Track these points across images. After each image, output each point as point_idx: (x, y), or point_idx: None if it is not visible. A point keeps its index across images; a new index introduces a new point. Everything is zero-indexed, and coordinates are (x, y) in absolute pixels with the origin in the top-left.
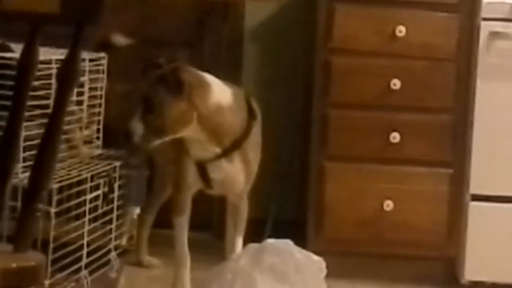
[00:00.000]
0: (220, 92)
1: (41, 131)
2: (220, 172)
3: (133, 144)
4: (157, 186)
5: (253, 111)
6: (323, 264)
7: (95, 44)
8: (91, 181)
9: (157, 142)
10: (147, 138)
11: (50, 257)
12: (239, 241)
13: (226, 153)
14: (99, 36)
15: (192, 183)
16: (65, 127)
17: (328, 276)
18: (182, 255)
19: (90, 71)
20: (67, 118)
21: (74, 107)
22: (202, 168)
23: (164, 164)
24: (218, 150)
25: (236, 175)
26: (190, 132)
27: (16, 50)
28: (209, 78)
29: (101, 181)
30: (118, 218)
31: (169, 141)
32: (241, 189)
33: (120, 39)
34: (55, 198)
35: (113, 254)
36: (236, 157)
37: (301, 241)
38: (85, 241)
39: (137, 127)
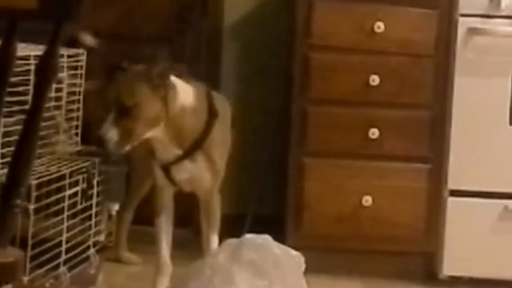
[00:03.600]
0: (184, 93)
1: (19, 127)
2: (183, 173)
3: (108, 150)
4: (134, 183)
5: (213, 109)
6: (301, 259)
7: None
8: (70, 177)
9: (130, 145)
10: (122, 144)
11: (29, 253)
12: (214, 238)
13: (187, 154)
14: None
15: (164, 185)
16: (44, 124)
17: (307, 271)
18: (163, 263)
19: (69, 68)
20: (45, 115)
21: (52, 103)
22: (166, 171)
23: (140, 160)
24: (179, 151)
25: (201, 175)
26: (157, 133)
27: None
28: (173, 78)
29: (80, 177)
30: (97, 214)
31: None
32: (209, 187)
33: (88, 39)
34: (34, 194)
35: (92, 251)
36: (199, 156)
37: (280, 237)
38: (64, 238)
39: (112, 134)
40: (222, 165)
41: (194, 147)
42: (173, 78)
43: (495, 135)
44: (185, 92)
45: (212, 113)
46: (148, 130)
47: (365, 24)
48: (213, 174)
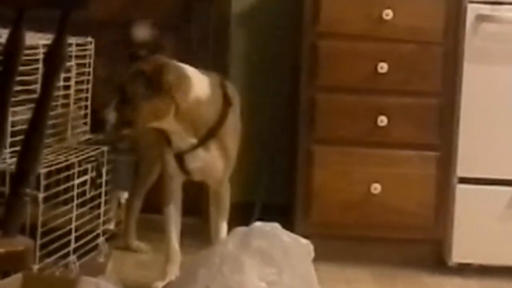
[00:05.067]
0: (199, 85)
1: (28, 116)
2: (197, 161)
3: (106, 131)
4: (142, 171)
5: (228, 98)
6: (310, 247)
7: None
8: (79, 166)
9: (128, 131)
10: (119, 127)
11: (39, 242)
12: (223, 226)
13: (202, 142)
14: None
15: (174, 173)
16: (53, 112)
17: (316, 259)
18: (172, 251)
19: (77, 56)
20: (54, 103)
21: (61, 92)
22: (180, 159)
23: (148, 148)
24: (194, 140)
25: (214, 163)
26: (166, 124)
27: (2, 35)
28: (189, 70)
29: (89, 166)
30: (106, 203)
31: (152, 129)
32: (221, 175)
33: (141, 32)
34: (43, 183)
35: (101, 239)
36: (212, 145)
37: (289, 225)
38: (73, 226)
39: (111, 116)
40: (234, 153)
41: (208, 136)
42: (189, 70)
43: (504, 122)
44: (200, 83)
45: (227, 102)
46: (150, 121)
47: (373, 11)
48: (226, 162)
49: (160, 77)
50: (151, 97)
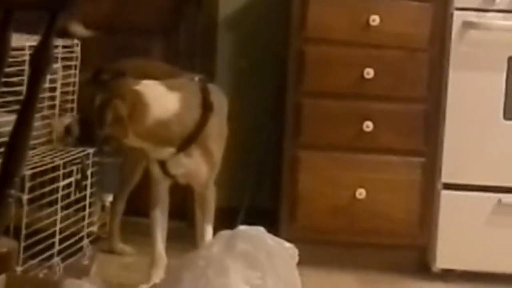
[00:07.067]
0: (160, 108)
1: (14, 117)
2: (179, 167)
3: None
4: (125, 173)
5: (208, 104)
6: (295, 251)
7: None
8: (64, 168)
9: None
10: (82, 141)
11: (23, 244)
12: (209, 229)
13: (182, 148)
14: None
15: (160, 178)
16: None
17: (301, 263)
18: (158, 255)
19: (63, 58)
20: (40, 105)
21: (46, 94)
22: (163, 165)
23: (131, 151)
24: (171, 149)
25: (197, 168)
26: (129, 143)
27: None
28: (150, 94)
29: (74, 168)
30: (91, 205)
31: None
32: (205, 179)
33: (79, 29)
34: (27, 184)
35: (85, 241)
36: (195, 150)
37: (274, 229)
38: (57, 228)
39: (74, 130)
40: (219, 157)
41: (187, 142)
42: (150, 93)
43: (489, 129)
44: (163, 105)
45: (207, 107)
46: (107, 142)
47: (360, 17)
48: (210, 166)
49: (112, 110)
50: (103, 128)
